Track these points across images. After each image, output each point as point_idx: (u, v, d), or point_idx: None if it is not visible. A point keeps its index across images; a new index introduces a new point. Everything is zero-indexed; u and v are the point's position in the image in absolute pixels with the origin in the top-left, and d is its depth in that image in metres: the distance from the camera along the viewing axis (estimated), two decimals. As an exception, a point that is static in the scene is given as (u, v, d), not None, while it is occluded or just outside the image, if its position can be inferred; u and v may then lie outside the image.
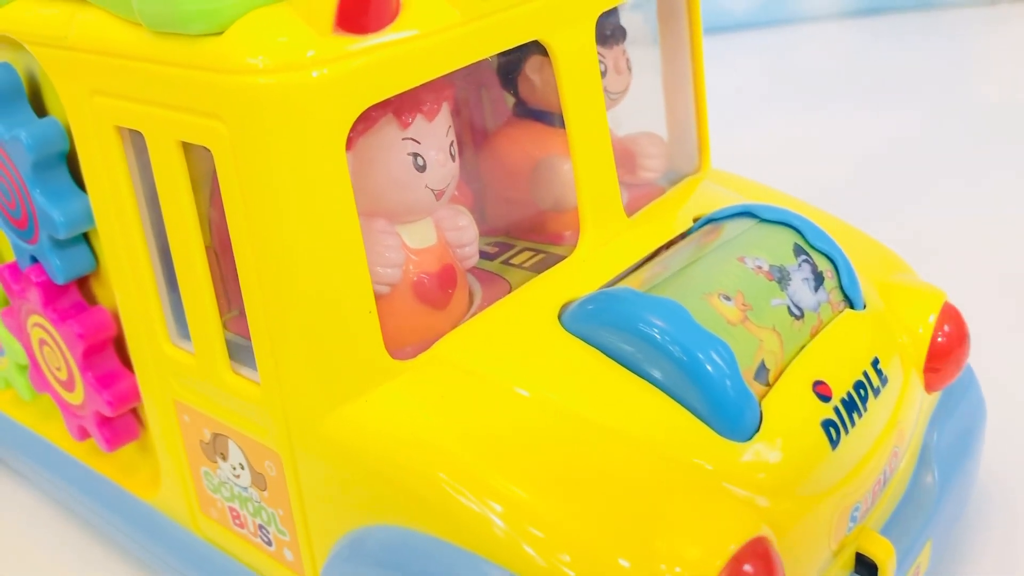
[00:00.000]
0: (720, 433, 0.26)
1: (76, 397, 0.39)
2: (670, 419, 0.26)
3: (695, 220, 0.34)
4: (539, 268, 0.34)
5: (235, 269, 0.29)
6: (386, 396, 0.28)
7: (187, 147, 0.28)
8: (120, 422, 0.38)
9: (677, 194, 0.35)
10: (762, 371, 0.28)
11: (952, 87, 0.89)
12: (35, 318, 0.38)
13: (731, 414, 0.26)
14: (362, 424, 0.27)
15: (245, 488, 0.33)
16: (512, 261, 0.35)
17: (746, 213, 0.32)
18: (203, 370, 0.31)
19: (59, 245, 0.35)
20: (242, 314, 0.31)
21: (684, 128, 0.37)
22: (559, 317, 0.29)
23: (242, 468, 0.32)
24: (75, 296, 0.37)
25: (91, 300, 0.37)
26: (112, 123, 0.29)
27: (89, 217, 0.34)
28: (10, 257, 0.41)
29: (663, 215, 0.33)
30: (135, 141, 0.30)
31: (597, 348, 0.28)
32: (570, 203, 0.35)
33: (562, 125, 0.35)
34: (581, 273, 0.30)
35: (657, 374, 0.27)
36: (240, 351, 0.31)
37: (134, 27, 0.27)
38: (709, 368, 0.25)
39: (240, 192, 0.26)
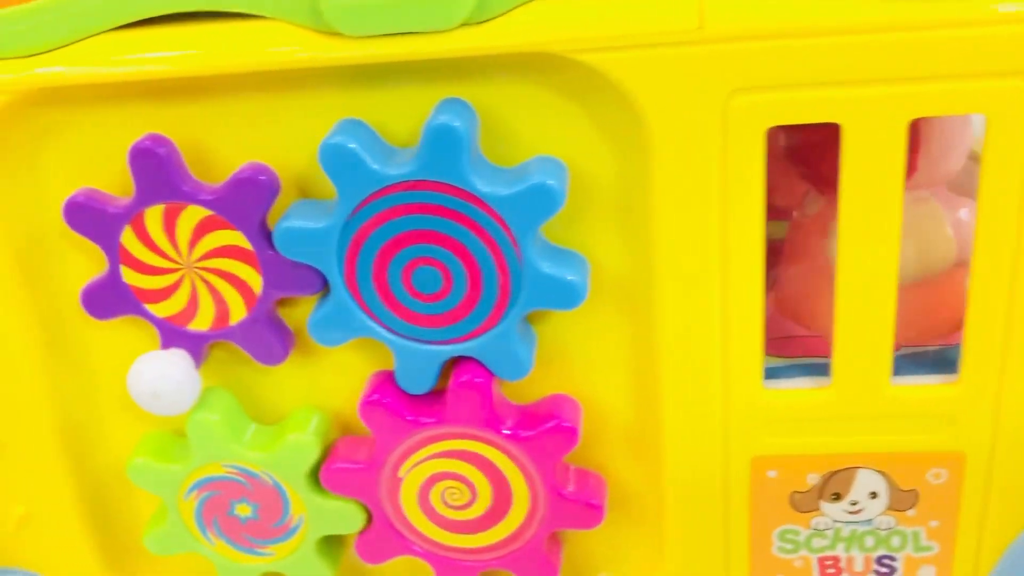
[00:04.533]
0: None
1: (497, 532, 0.29)
2: None
3: None
4: None
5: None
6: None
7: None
8: (555, 539, 0.30)
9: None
10: None
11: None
12: (436, 447, 0.28)
13: None
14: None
15: (868, 521, 0.28)
16: None
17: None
18: (848, 398, 0.26)
19: (526, 325, 0.26)
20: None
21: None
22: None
23: (872, 498, 0.28)
24: (501, 394, 0.28)
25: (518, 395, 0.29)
26: (762, 125, 0.24)
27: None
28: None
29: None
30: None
31: None
32: None
33: None
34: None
35: None
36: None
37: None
38: None
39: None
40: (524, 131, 0.26)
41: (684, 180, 0.25)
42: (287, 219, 0.26)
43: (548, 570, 0.30)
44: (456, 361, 0.28)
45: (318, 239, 0.26)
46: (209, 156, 0.27)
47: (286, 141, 0.26)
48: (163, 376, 0.27)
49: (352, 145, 0.24)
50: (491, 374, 0.27)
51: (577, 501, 0.28)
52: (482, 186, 0.25)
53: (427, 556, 0.30)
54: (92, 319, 0.28)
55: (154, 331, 0.29)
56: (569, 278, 0.26)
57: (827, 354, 0.28)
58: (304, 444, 0.28)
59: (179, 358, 0.27)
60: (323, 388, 0.30)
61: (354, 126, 0.25)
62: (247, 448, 0.29)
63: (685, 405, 0.27)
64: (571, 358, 0.28)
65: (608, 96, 0.24)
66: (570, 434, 0.28)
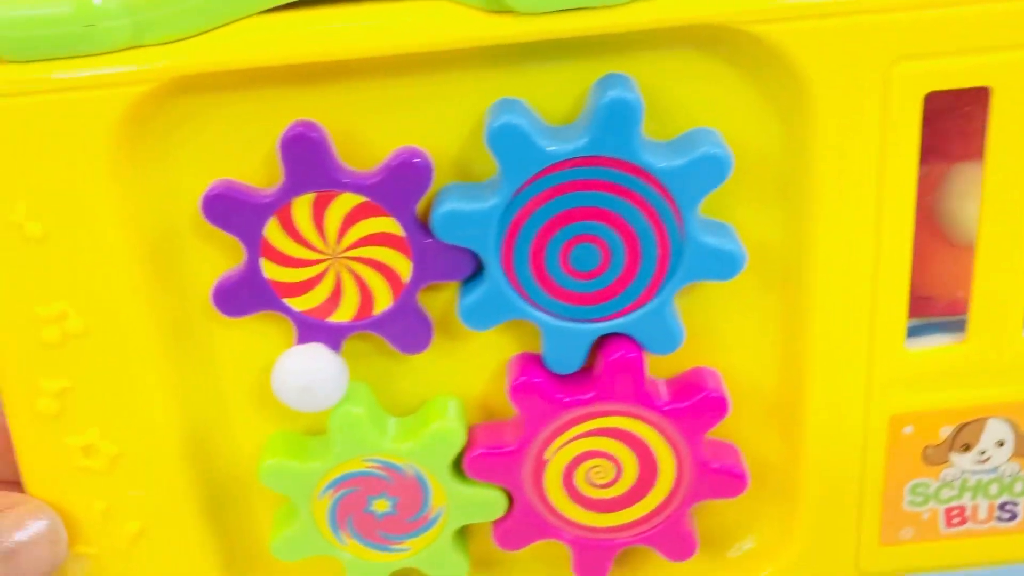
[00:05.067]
0: None
1: (640, 508, 0.29)
2: None
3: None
4: None
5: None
6: None
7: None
8: (691, 513, 0.30)
9: None
10: None
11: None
12: (584, 426, 0.28)
13: None
14: None
15: (994, 469, 0.29)
16: None
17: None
18: (983, 352, 0.27)
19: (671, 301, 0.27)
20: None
21: None
22: None
23: (999, 446, 0.29)
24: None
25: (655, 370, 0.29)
26: (921, 91, 0.24)
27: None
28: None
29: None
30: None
31: None
32: None
33: None
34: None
35: None
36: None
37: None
38: None
39: None
40: (677, 103, 0.26)
41: (845, 149, 0.25)
42: (445, 202, 0.26)
43: (689, 543, 0.30)
44: (602, 339, 0.28)
45: (480, 221, 0.25)
46: (352, 141, 0.26)
47: (433, 124, 0.26)
48: (315, 369, 0.26)
49: (523, 124, 0.24)
50: (641, 349, 0.28)
51: (722, 471, 0.29)
52: (651, 159, 0.25)
53: (566, 538, 0.30)
54: (221, 317, 0.27)
55: (284, 327, 0.28)
56: (729, 248, 0.26)
57: (935, 313, 0.30)
58: (450, 432, 0.28)
59: (325, 351, 0.27)
60: (455, 375, 0.29)
61: (516, 105, 0.25)
62: (393, 440, 0.28)
63: (831, 371, 0.28)
64: (712, 330, 0.29)
65: (768, 66, 0.25)
66: (720, 404, 0.28)
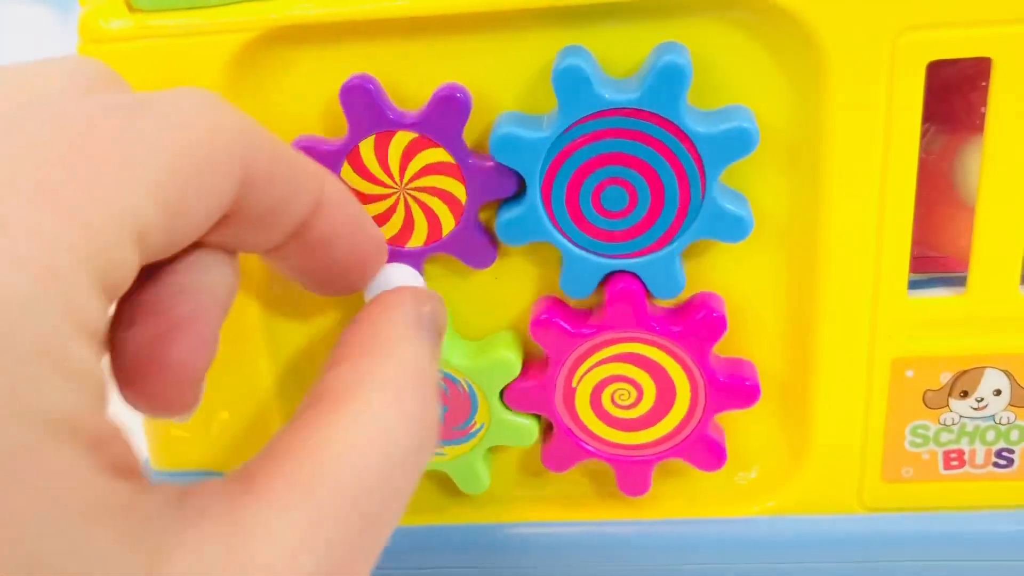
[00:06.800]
0: None
1: (666, 424, 0.32)
2: None
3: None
4: None
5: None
6: None
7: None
8: (717, 426, 0.33)
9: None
10: None
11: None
12: (601, 354, 0.31)
13: None
14: None
15: (991, 416, 0.32)
16: None
17: None
18: (981, 305, 0.30)
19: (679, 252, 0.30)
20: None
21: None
22: None
23: (996, 395, 0.32)
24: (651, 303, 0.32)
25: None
26: (924, 60, 0.27)
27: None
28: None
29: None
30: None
31: None
32: None
33: None
34: None
35: None
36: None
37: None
38: None
39: None
40: (713, 70, 0.29)
41: (855, 114, 0.28)
42: (503, 126, 0.29)
43: (717, 453, 0.33)
44: (612, 276, 0.31)
45: (532, 147, 0.29)
46: (409, 91, 0.30)
47: (504, 76, 0.29)
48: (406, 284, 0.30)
49: (586, 69, 0.28)
50: (642, 285, 0.31)
51: (733, 383, 0.31)
52: (690, 123, 0.28)
53: (606, 457, 0.34)
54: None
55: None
56: (741, 214, 0.29)
57: (948, 270, 0.32)
58: (509, 361, 0.32)
59: (412, 270, 0.29)
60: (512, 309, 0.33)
61: (582, 52, 0.28)
62: (459, 357, 0.32)
63: (839, 317, 0.31)
64: (728, 286, 0.31)
65: (786, 33, 0.28)
66: (719, 323, 0.31)
